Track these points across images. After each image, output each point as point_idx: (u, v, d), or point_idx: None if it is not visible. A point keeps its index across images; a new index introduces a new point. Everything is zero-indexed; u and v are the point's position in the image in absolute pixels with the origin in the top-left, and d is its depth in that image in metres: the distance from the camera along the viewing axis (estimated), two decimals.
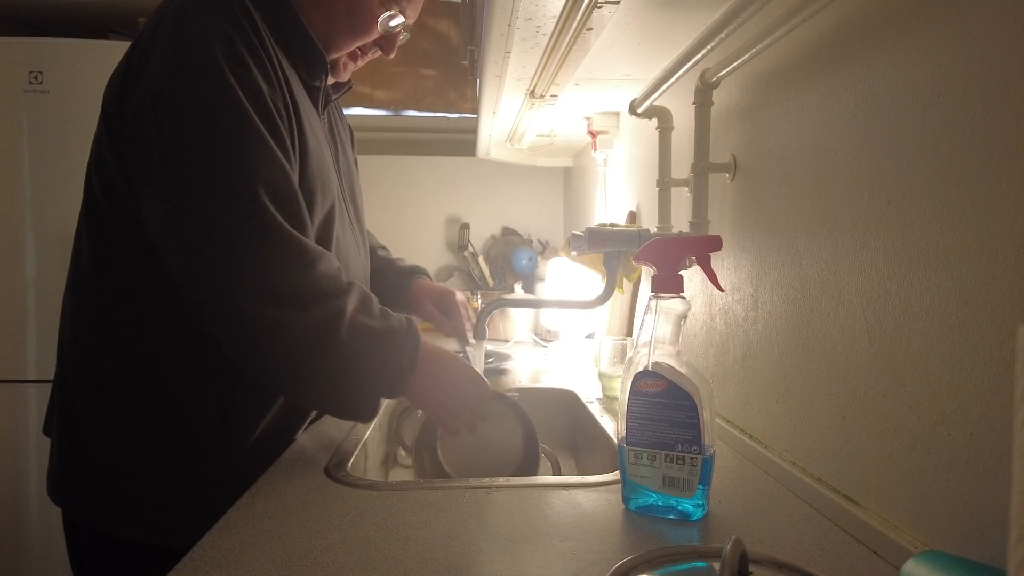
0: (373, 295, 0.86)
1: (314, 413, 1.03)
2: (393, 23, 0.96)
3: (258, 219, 0.77)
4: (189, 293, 0.80)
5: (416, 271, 1.29)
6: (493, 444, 1.01)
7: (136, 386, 0.87)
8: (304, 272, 0.78)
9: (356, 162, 1.20)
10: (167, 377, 0.87)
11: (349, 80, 1.07)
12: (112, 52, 1.97)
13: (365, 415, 0.84)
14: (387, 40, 1.00)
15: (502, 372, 1.60)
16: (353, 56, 1.01)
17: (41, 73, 1.95)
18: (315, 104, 0.98)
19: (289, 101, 0.86)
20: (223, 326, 0.79)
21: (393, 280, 1.25)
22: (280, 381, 0.83)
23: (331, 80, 1.01)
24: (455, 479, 0.86)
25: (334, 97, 1.06)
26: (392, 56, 1.03)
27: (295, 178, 0.84)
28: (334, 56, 0.98)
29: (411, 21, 1.00)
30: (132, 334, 0.87)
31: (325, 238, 0.92)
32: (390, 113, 2.80)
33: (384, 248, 1.34)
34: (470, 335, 1.10)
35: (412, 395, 0.88)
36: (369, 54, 1.03)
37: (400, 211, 2.70)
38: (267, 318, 0.77)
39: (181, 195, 0.77)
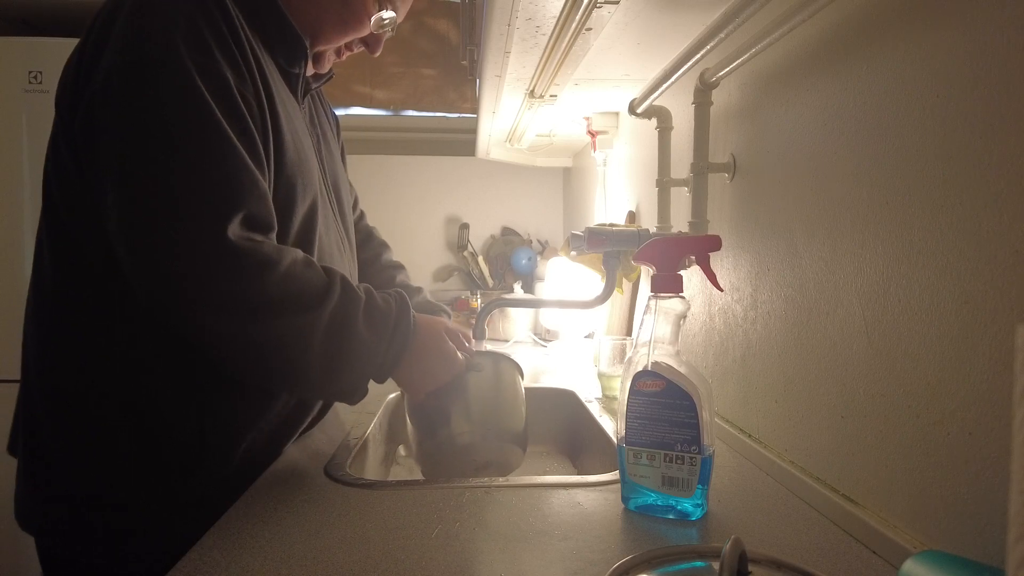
0: (357, 289, 0.82)
1: (304, 425, 0.99)
2: (386, 20, 0.95)
3: (229, 249, 0.72)
4: (156, 311, 0.76)
5: (443, 308, 1.22)
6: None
7: (104, 402, 0.81)
8: (268, 278, 0.74)
9: (343, 154, 1.16)
10: (138, 391, 0.81)
11: (330, 70, 1.04)
12: None
13: (353, 400, 0.85)
14: (374, 37, 0.99)
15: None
16: (339, 51, 1.00)
17: (41, 73, 1.95)
18: (294, 92, 0.95)
19: (262, 90, 0.82)
20: (199, 341, 0.77)
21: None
22: (264, 383, 0.83)
23: (311, 71, 0.99)
24: (455, 479, 0.86)
25: (314, 86, 1.03)
26: (377, 54, 1.02)
27: (267, 183, 0.79)
28: (322, 48, 0.97)
29: (400, 19, 0.99)
30: (98, 346, 0.81)
31: (307, 238, 0.88)
32: (390, 113, 2.80)
33: (401, 268, 1.28)
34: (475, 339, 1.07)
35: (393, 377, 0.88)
36: (354, 49, 1.01)
37: (400, 211, 2.70)
38: (237, 332, 0.74)
39: (145, 215, 0.72)
